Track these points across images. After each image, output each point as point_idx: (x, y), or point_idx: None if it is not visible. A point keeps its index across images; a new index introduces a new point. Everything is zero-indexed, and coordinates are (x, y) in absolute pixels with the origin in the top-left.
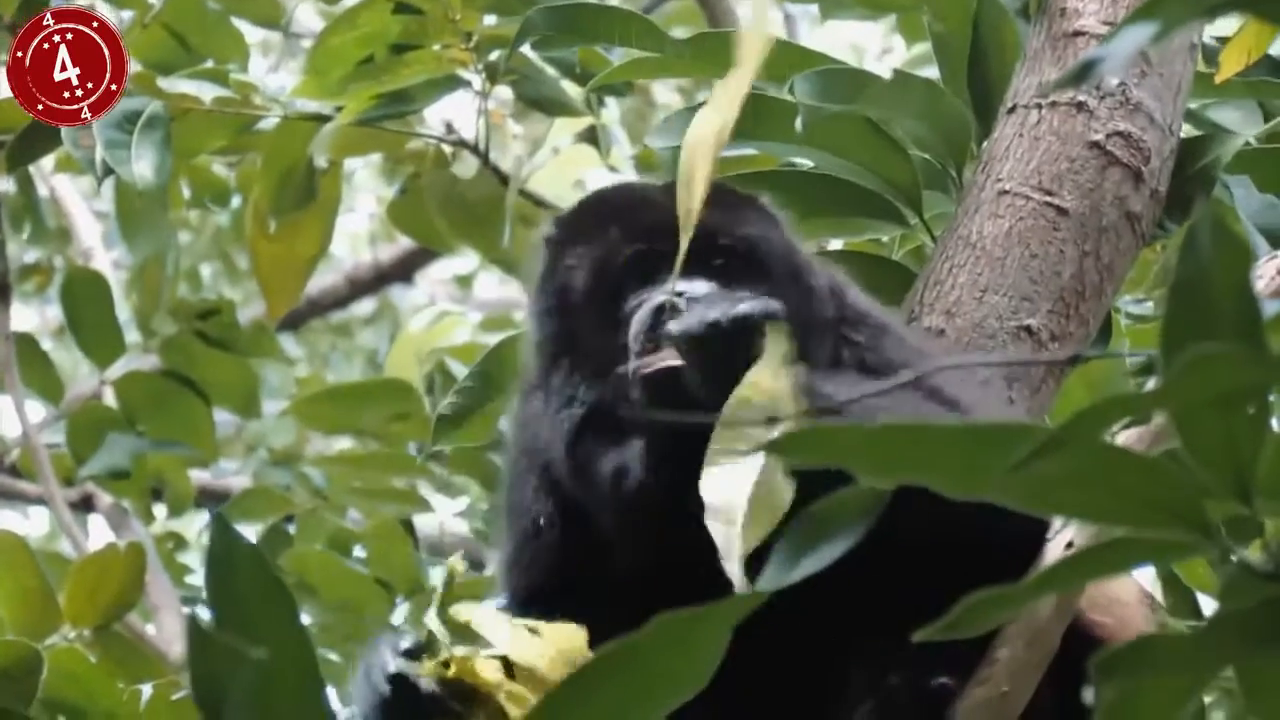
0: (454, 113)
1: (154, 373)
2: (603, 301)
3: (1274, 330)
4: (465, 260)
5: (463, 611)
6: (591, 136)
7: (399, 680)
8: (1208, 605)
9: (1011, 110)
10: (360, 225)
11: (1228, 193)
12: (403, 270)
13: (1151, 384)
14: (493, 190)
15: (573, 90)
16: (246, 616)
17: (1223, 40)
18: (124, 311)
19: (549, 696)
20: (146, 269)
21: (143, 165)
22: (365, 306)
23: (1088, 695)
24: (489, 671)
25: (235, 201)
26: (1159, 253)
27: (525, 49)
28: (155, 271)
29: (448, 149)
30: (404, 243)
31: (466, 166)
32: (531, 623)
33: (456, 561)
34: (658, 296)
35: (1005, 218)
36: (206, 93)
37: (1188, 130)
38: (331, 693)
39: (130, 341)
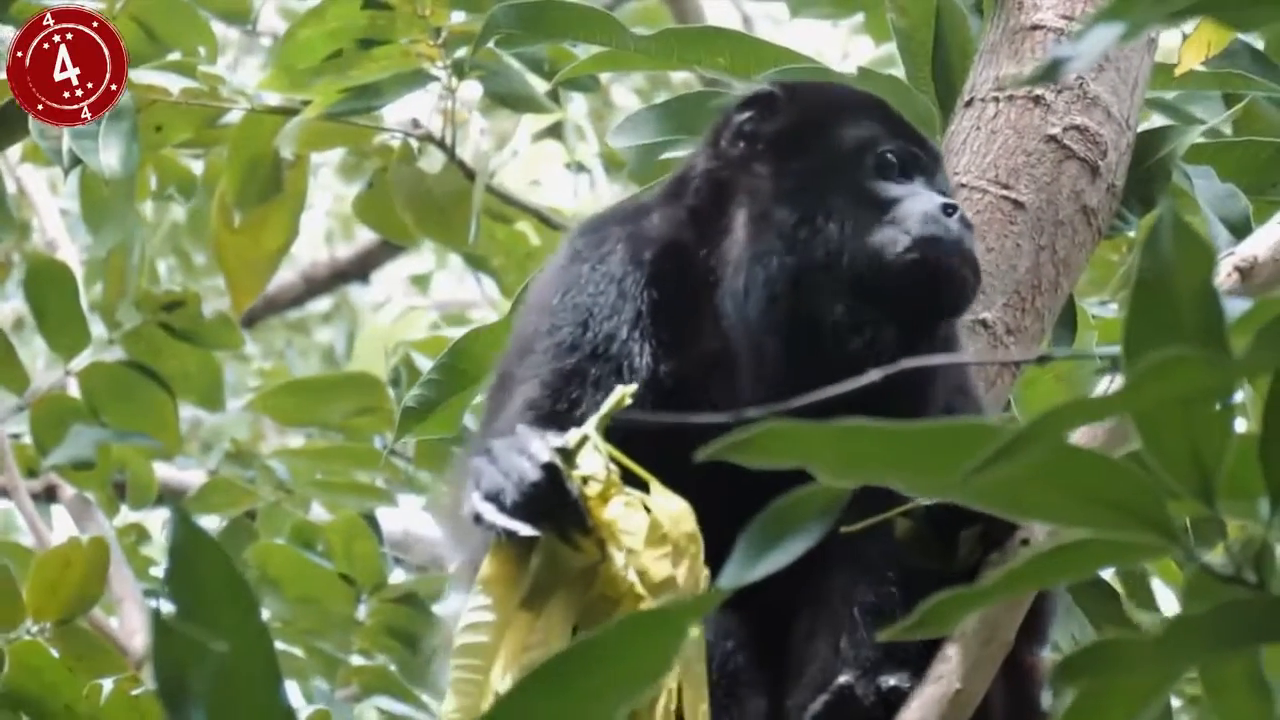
0: (421, 108)
1: (118, 363)
2: (871, 174)
3: (1236, 331)
4: (422, 260)
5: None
6: (557, 132)
7: (551, 470)
8: (1171, 597)
9: (969, 104)
10: (318, 223)
11: (1189, 182)
12: (360, 269)
13: (1117, 380)
14: (459, 185)
15: (540, 86)
16: (207, 610)
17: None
18: (87, 304)
19: (510, 693)
20: (111, 260)
21: (110, 156)
22: (322, 304)
23: (1047, 696)
24: (616, 510)
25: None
26: (1122, 253)
27: (492, 44)
28: (120, 262)
29: (414, 144)
30: (361, 241)
31: (433, 161)
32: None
33: (626, 390)
34: (935, 201)
35: None
36: (174, 84)
37: (1157, 119)
38: (291, 687)
39: (95, 335)
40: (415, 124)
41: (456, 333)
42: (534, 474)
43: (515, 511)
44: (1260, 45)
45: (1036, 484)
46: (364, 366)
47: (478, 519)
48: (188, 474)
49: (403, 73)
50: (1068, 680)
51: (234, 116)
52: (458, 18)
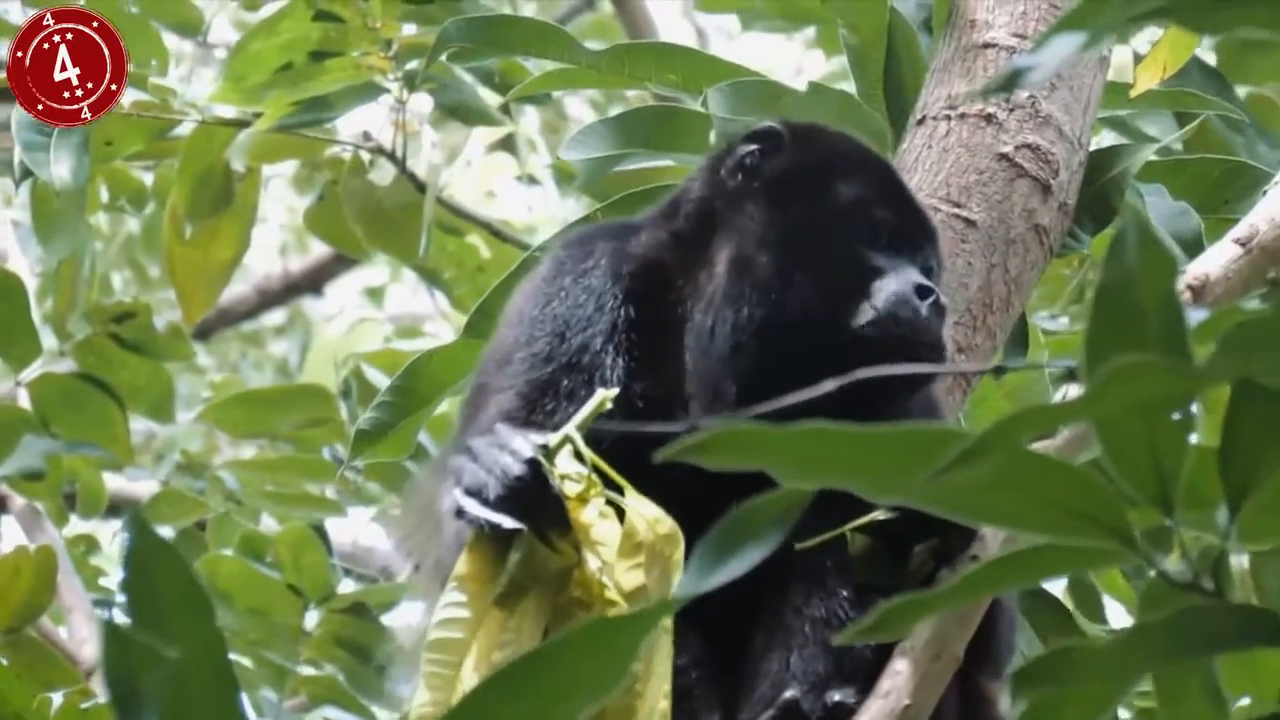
0: (372, 120)
1: (69, 375)
2: (857, 238)
3: (1198, 339)
4: (376, 272)
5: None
6: (509, 144)
7: (534, 465)
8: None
9: (920, 122)
10: (272, 236)
11: (1141, 200)
12: (313, 282)
13: (1073, 392)
14: (410, 197)
15: (491, 99)
16: (163, 618)
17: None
18: (38, 316)
19: (471, 695)
20: (62, 271)
21: (61, 168)
22: (276, 317)
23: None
24: (592, 515)
25: (148, 209)
26: (1074, 268)
27: (445, 58)
28: (71, 273)
29: (365, 156)
30: (315, 254)
31: (384, 174)
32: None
33: (607, 395)
34: (911, 280)
35: None
36: (125, 96)
37: (1111, 137)
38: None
39: (46, 347)
40: (366, 136)
41: (408, 346)
42: (517, 468)
43: (498, 505)
44: (1212, 62)
45: (995, 489)
46: (315, 378)
47: (460, 513)
48: (138, 485)
49: (354, 85)
50: (1024, 690)
51: (185, 129)
52: (409, 30)
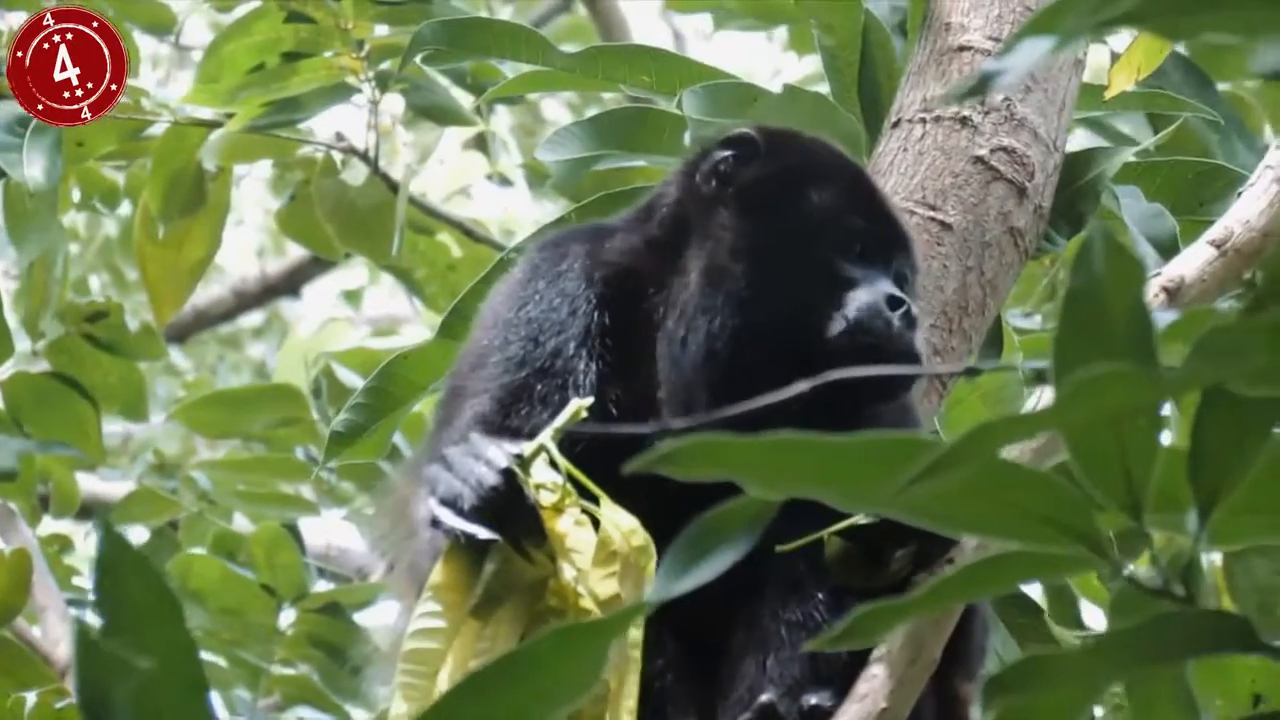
0: (345, 121)
1: (41, 374)
2: (830, 248)
3: (1168, 340)
4: (354, 274)
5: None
6: (482, 144)
7: (509, 475)
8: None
9: (896, 125)
10: (249, 239)
11: (1116, 202)
12: (290, 284)
13: (1046, 392)
14: (382, 198)
15: (463, 98)
16: (134, 625)
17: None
18: (12, 319)
19: (439, 702)
20: (34, 271)
21: (33, 168)
22: (253, 319)
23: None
24: (567, 524)
25: (124, 211)
26: (1046, 267)
27: (419, 60)
28: (43, 273)
29: (338, 156)
30: (291, 256)
31: (356, 174)
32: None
33: (581, 404)
34: (882, 291)
35: None
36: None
37: (1088, 139)
38: (214, 697)
39: (19, 347)
40: (339, 137)
41: (379, 344)
42: (492, 478)
43: (472, 515)
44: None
45: (965, 497)
46: (286, 378)
47: (435, 523)
48: (112, 485)
49: (326, 86)
50: (997, 696)
51: (158, 129)
52: (381, 31)
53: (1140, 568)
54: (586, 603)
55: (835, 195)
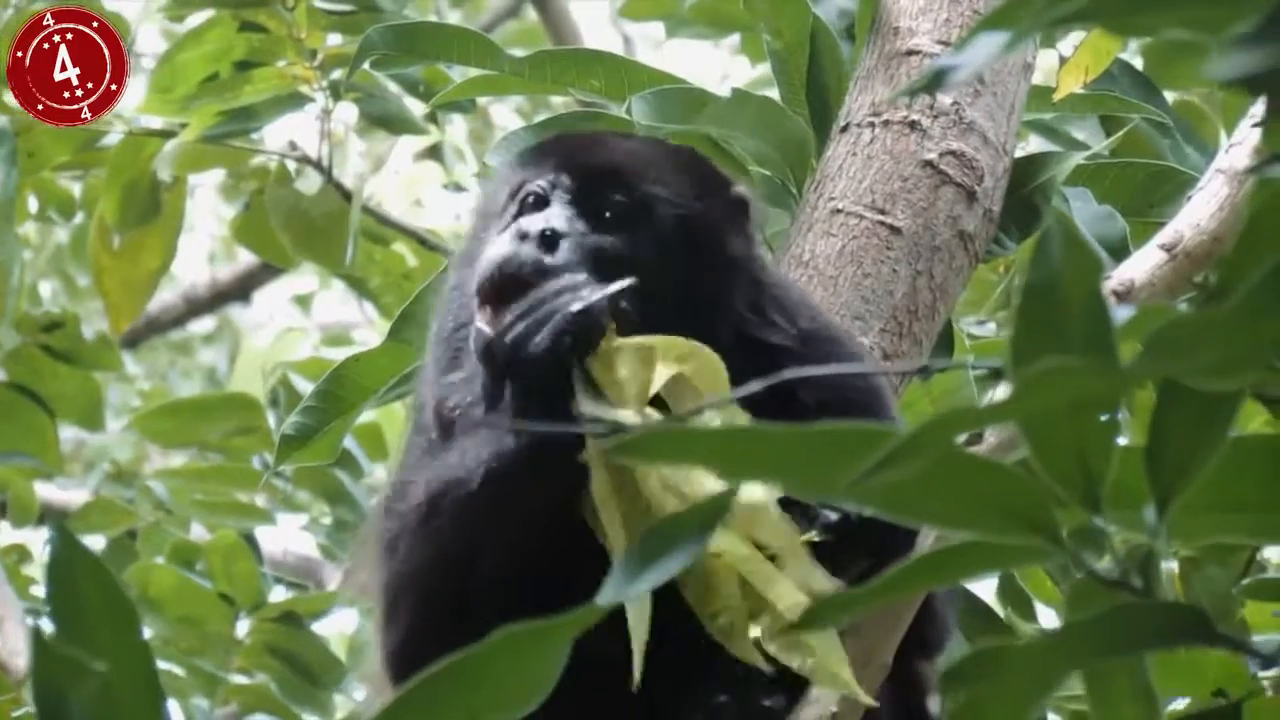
0: (298, 130)
1: None
2: (493, 226)
3: (1122, 339)
4: (305, 280)
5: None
6: (436, 153)
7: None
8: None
9: (844, 129)
10: (200, 244)
11: (1066, 204)
12: (241, 290)
13: (1000, 393)
14: (336, 206)
15: (416, 107)
16: (88, 629)
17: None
18: None
19: (388, 707)
20: None
21: None
22: (204, 325)
23: (933, 704)
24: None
25: (77, 219)
26: (1000, 274)
27: (369, 67)
28: (0, 284)
29: (291, 165)
30: (243, 262)
31: (310, 183)
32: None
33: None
34: (505, 235)
35: (838, 236)
36: None
37: (1038, 142)
38: (172, 706)
39: None
40: (292, 146)
41: (335, 354)
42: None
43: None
44: (1139, 67)
45: (923, 488)
46: (243, 387)
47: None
48: (69, 494)
49: (279, 95)
50: (954, 686)
51: (113, 139)
52: (333, 40)
53: (1099, 561)
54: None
55: (518, 166)
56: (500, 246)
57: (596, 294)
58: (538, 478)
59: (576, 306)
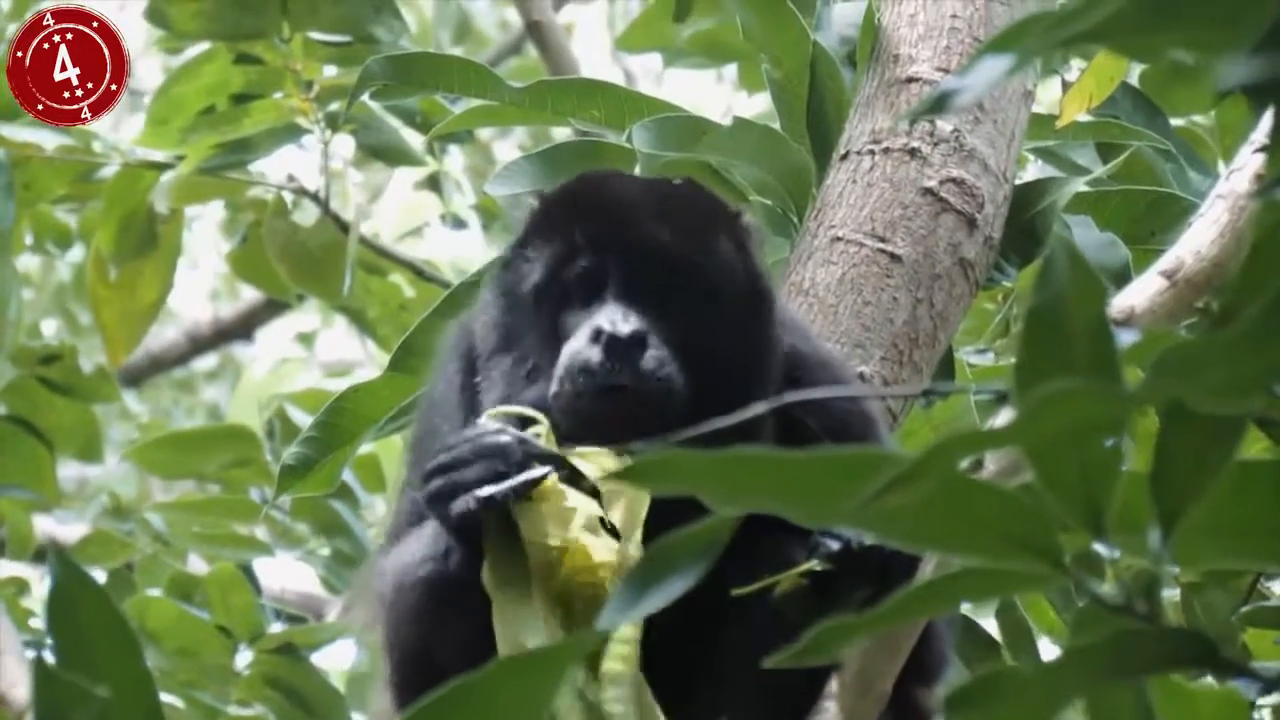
0: (295, 162)
1: None
2: (550, 310)
3: (1126, 363)
4: (307, 318)
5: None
6: (434, 185)
7: (521, 441)
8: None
9: (844, 157)
10: (203, 282)
11: (1068, 231)
12: (244, 327)
13: (1002, 419)
14: (333, 238)
15: (414, 138)
16: (89, 654)
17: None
18: None
19: None
20: None
21: None
22: (207, 362)
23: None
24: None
25: (77, 255)
26: (999, 302)
27: (366, 98)
28: None
29: (289, 197)
30: (245, 299)
31: (307, 214)
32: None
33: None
34: (589, 328)
35: (838, 264)
36: (48, 140)
37: (1038, 170)
38: None
39: None
40: (289, 178)
41: (333, 385)
42: (503, 438)
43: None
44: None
45: (926, 513)
46: (240, 419)
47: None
48: (67, 527)
49: (276, 127)
50: (958, 711)
51: (109, 171)
52: (330, 72)
53: (1102, 586)
54: (600, 552)
55: (550, 247)
56: (582, 349)
57: (515, 480)
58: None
59: (484, 494)
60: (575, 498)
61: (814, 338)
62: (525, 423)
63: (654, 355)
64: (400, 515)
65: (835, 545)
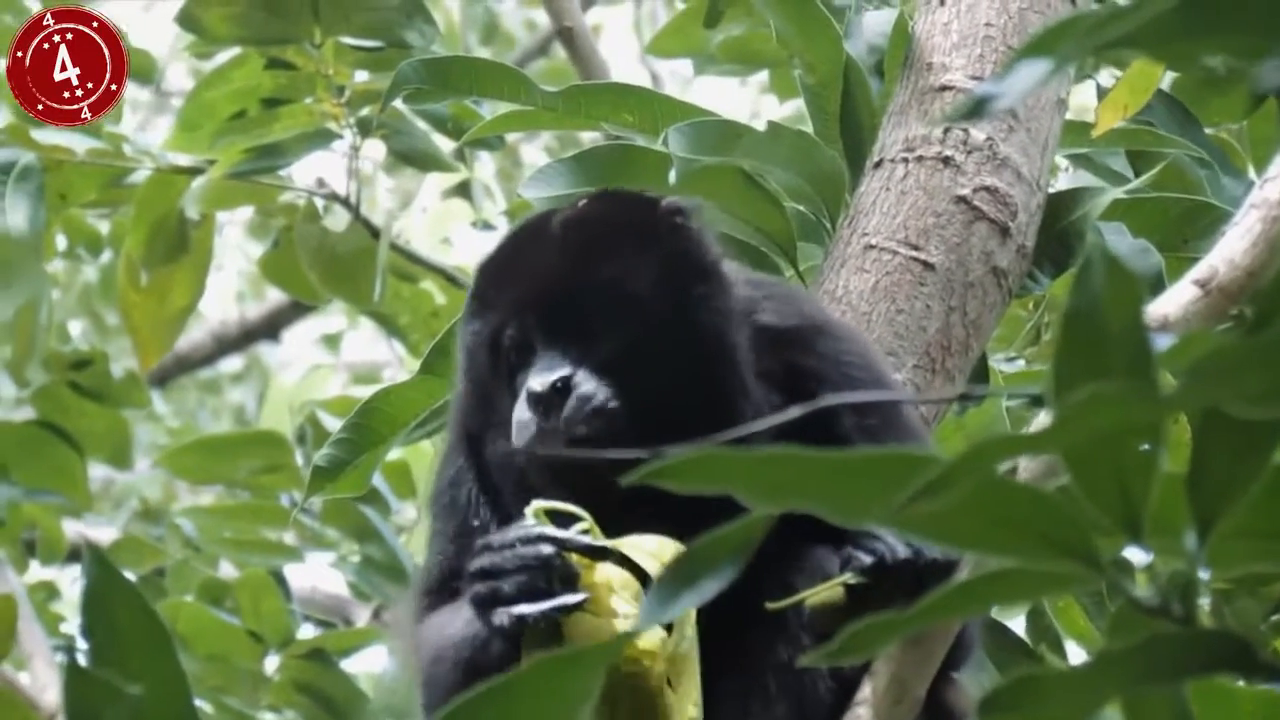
0: (326, 167)
1: (27, 423)
2: (507, 382)
3: (1162, 367)
4: (333, 319)
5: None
6: (465, 190)
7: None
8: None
9: (878, 165)
10: (228, 283)
11: (1101, 239)
12: (270, 328)
13: (1039, 422)
14: (364, 243)
15: (445, 144)
16: (123, 653)
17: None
18: None
19: None
20: (19, 318)
21: (17, 216)
22: (233, 364)
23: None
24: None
25: (105, 258)
26: (1030, 310)
27: (397, 103)
28: (29, 321)
29: (319, 202)
30: (271, 300)
31: (338, 220)
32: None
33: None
34: (521, 395)
35: (871, 272)
36: (79, 144)
37: (1068, 178)
38: None
39: (4, 395)
40: (320, 183)
41: (365, 392)
42: (546, 549)
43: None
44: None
45: (963, 514)
46: (271, 425)
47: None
48: (98, 532)
49: (307, 132)
50: (992, 714)
51: (140, 176)
52: (361, 77)
53: (1138, 588)
54: (646, 640)
55: (490, 314)
56: (520, 413)
57: (552, 603)
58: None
59: (522, 612)
60: (620, 589)
61: (807, 301)
62: (571, 519)
63: (580, 394)
64: (432, 572)
65: (868, 559)
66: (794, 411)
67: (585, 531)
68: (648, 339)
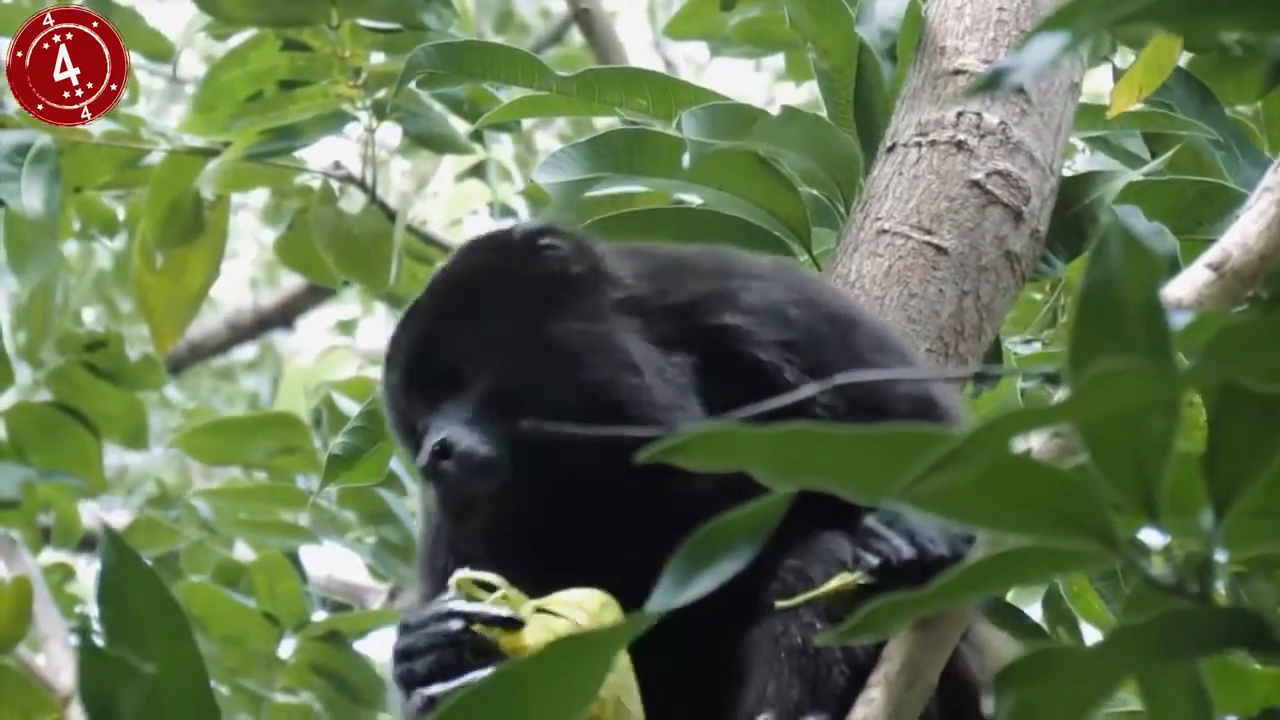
0: (341, 149)
1: (43, 404)
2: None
3: (1179, 345)
4: (348, 306)
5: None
6: (480, 172)
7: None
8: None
9: (891, 149)
10: (242, 270)
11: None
12: (284, 315)
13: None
14: (380, 226)
15: (461, 126)
16: (139, 634)
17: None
18: (11, 348)
19: (441, 713)
20: (34, 300)
21: (32, 198)
22: (247, 351)
23: (987, 706)
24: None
25: (119, 242)
26: (1046, 293)
27: (414, 86)
28: (43, 302)
29: (335, 184)
30: (285, 288)
31: (353, 202)
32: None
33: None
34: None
35: (884, 256)
36: (95, 126)
37: (1088, 159)
38: None
39: (20, 377)
40: (336, 165)
41: (379, 374)
42: (450, 628)
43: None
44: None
45: (978, 491)
46: (287, 407)
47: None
48: (113, 514)
49: (323, 114)
50: (1008, 688)
51: (155, 158)
52: (377, 59)
53: (1154, 566)
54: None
55: (386, 398)
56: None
57: (456, 682)
58: None
59: (430, 693)
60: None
61: (737, 260)
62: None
63: (459, 452)
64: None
65: (875, 560)
66: (812, 388)
67: (504, 598)
68: (515, 373)
